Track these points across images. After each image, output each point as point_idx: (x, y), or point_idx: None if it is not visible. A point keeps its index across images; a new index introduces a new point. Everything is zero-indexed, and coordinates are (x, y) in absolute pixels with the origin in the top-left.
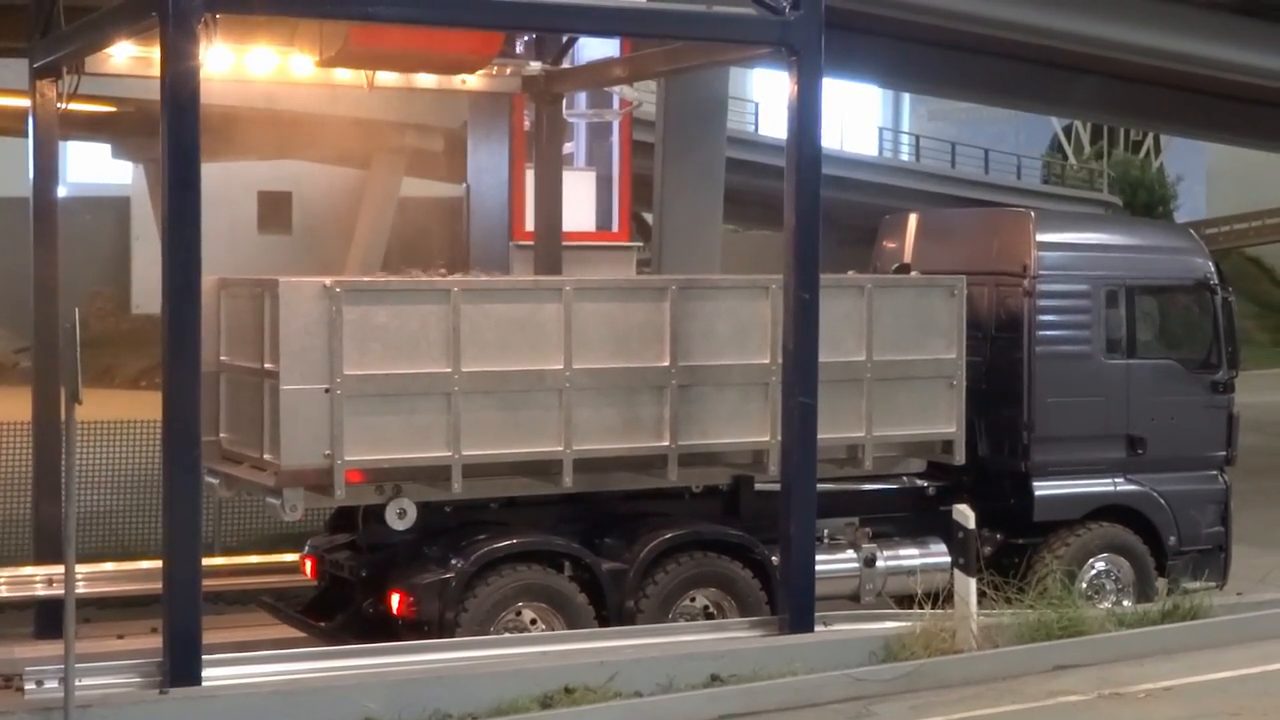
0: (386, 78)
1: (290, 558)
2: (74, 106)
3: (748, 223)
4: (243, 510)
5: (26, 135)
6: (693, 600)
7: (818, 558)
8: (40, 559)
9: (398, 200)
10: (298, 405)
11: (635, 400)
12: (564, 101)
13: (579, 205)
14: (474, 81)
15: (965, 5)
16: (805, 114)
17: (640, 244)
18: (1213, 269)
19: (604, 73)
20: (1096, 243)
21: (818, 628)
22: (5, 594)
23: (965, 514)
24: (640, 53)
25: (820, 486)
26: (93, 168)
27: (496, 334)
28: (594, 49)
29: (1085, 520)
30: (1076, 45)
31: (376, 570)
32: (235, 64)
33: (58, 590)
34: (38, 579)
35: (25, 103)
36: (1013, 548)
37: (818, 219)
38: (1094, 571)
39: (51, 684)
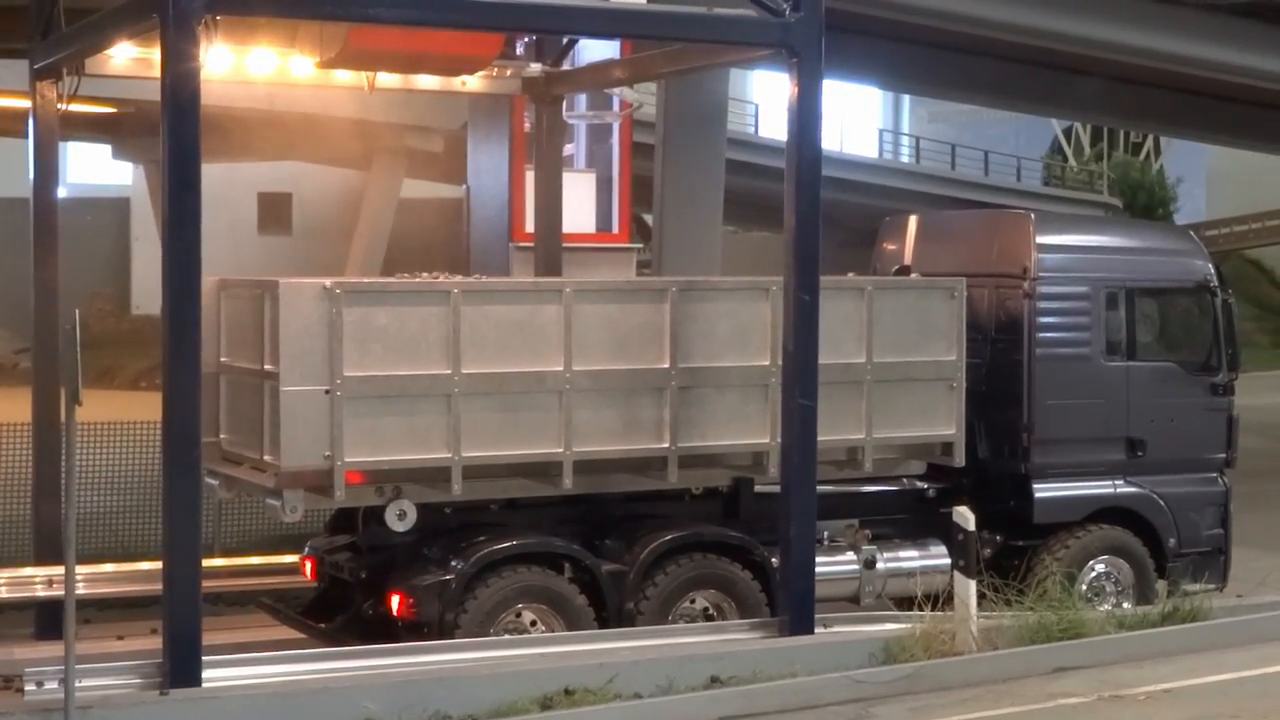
0: (387, 79)
1: (290, 559)
2: (74, 107)
3: (748, 224)
4: (243, 511)
5: (27, 136)
6: (693, 602)
7: (818, 560)
8: (40, 560)
9: (398, 201)
10: (298, 406)
11: (635, 402)
12: (564, 103)
13: (579, 207)
14: (474, 83)
15: (965, 7)
16: (805, 115)
17: (640, 245)
18: (1213, 271)
19: (604, 74)
20: (1096, 245)
21: (818, 630)
22: (5, 595)
23: (965, 516)
24: (640, 54)
25: (820, 488)
26: (93, 168)
27: (496, 335)
28: (594, 50)
29: (1085, 522)
30: (1076, 47)
31: (376, 571)
32: (236, 65)
33: (58, 591)
34: (38, 580)
35: (26, 104)
36: (1012, 550)
37: (818, 221)
38: (1094, 573)
39: (51, 685)
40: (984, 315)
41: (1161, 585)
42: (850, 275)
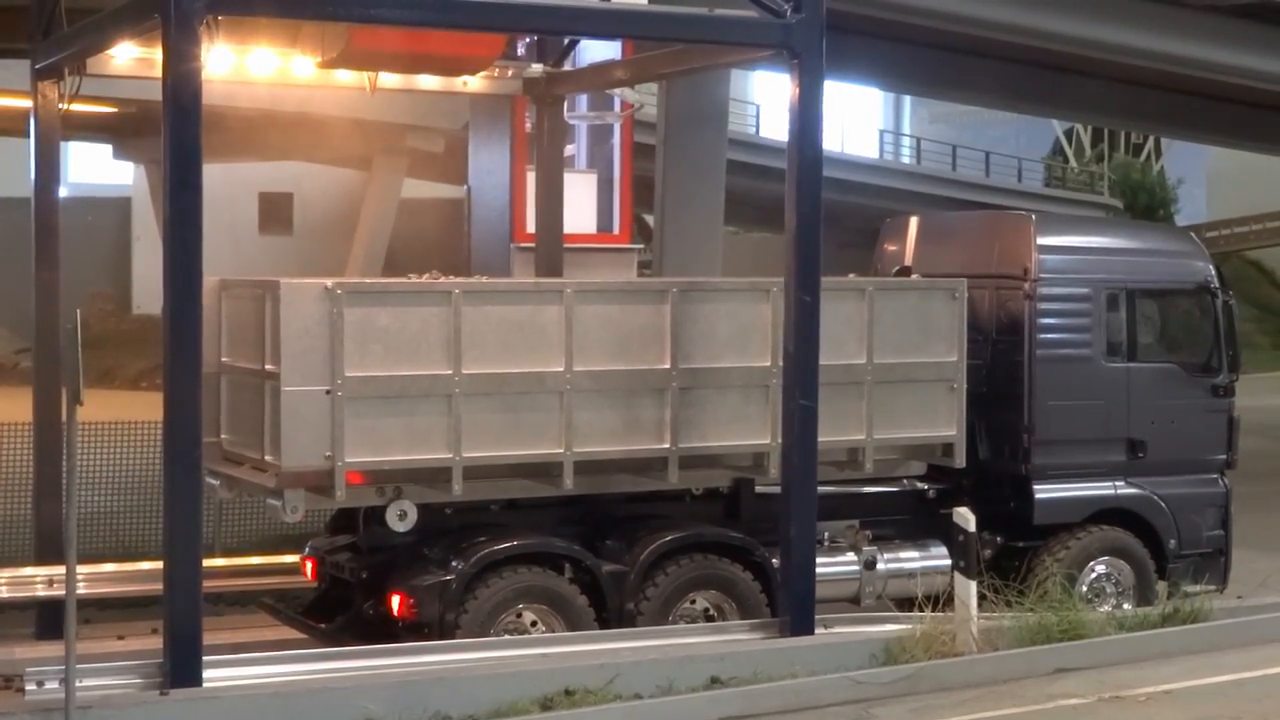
0: (388, 79)
1: (291, 559)
2: (75, 107)
3: (749, 225)
4: (243, 511)
5: (28, 136)
6: (693, 602)
7: (818, 560)
8: (41, 560)
9: (399, 202)
10: (298, 407)
11: (636, 402)
12: (565, 103)
13: (580, 207)
14: (475, 83)
15: (966, 7)
16: (806, 116)
17: (641, 246)
18: (1213, 272)
19: (605, 75)
20: (1097, 246)
21: (818, 630)
22: (6, 595)
23: (965, 517)
24: (642, 55)
25: (821, 489)
26: (94, 168)
27: (497, 336)
28: (595, 51)
29: (1085, 523)
30: (1077, 48)
31: (377, 572)
32: (237, 65)
33: (58, 591)
34: (38, 580)
35: (27, 103)
36: (1013, 550)
37: (819, 221)
38: (1094, 574)
39: (52, 685)
40: (985, 316)
41: (1162, 586)
42: (851, 276)
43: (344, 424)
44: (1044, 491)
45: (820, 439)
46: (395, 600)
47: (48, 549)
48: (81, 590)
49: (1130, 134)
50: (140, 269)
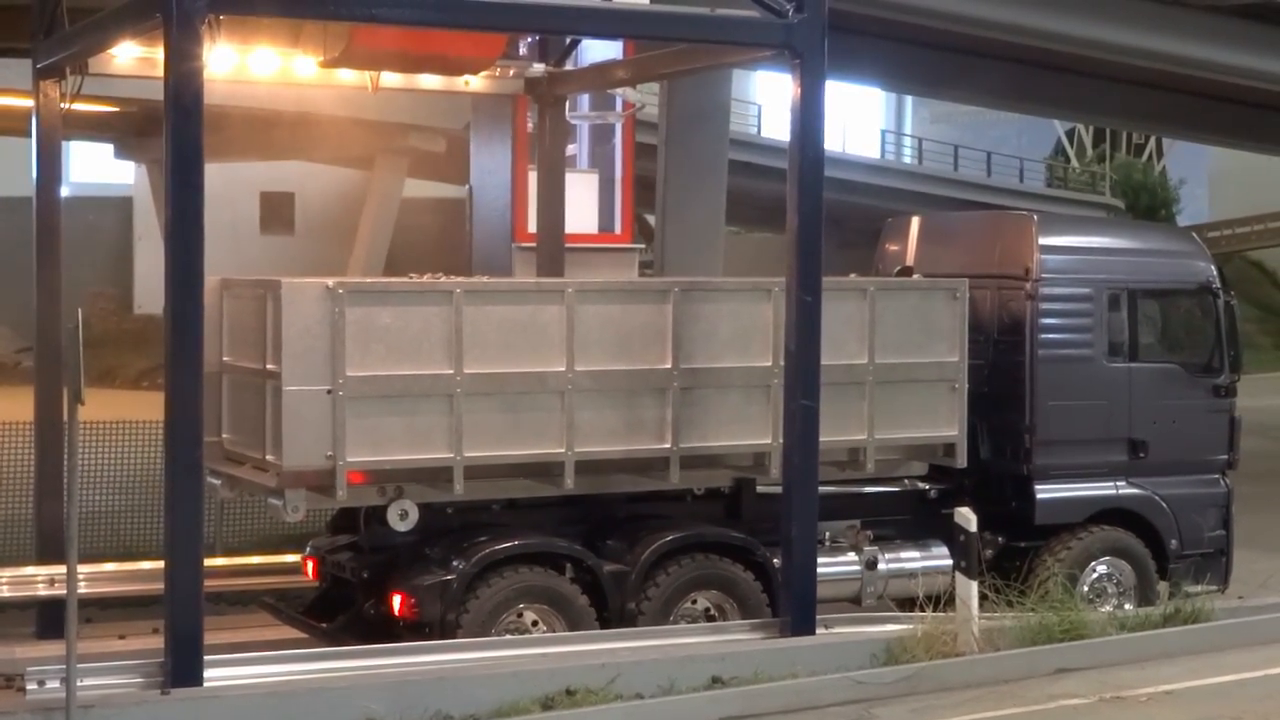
0: (390, 79)
1: (292, 558)
2: (77, 107)
3: (750, 225)
4: (244, 511)
5: (30, 135)
6: (694, 602)
7: (819, 560)
8: (42, 559)
9: (400, 201)
10: (300, 406)
11: (637, 402)
12: (567, 103)
13: (581, 207)
14: (477, 83)
15: (968, 8)
16: (808, 116)
17: (643, 246)
18: (1215, 272)
19: (607, 75)
20: (1099, 246)
21: (819, 630)
22: (7, 594)
23: (967, 517)
24: (643, 55)
25: (822, 489)
26: (96, 168)
27: (499, 336)
28: (597, 51)
29: (1087, 523)
30: (1078, 48)
31: (378, 571)
32: (238, 65)
33: (60, 590)
34: (40, 579)
35: (29, 103)
36: (1014, 551)
37: (820, 221)
38: (1095, 575)
39: (53, 684)
40: (986, 316)
41: (1163, 587)
42: (853, 276)
43: (345, 423)
44: (1045, 491)
45: (821, 439)
46: (396, 600)
47: (49, 548)
48: (82, 590)
49: (1132, 134)
50: (142, 268)
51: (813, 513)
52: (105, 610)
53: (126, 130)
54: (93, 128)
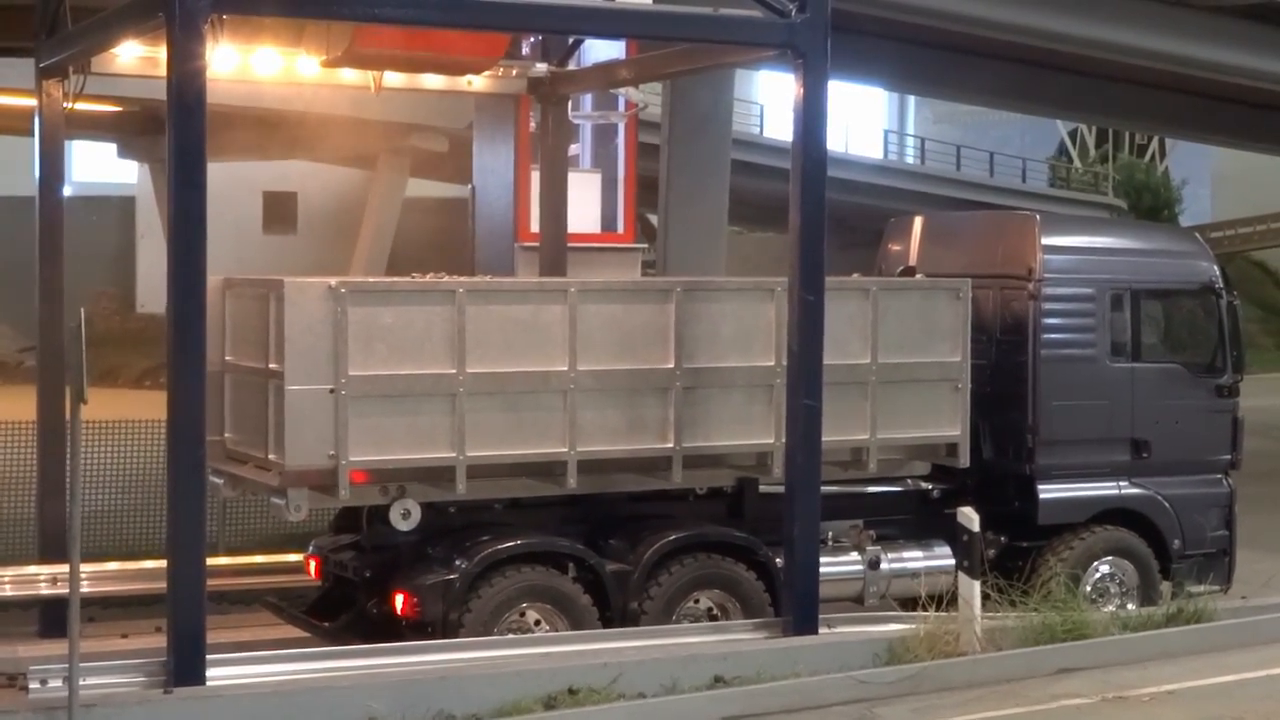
0: (392, 79)
1: (294, 558)
2: (80, 106)
3: (752, 225)
4: (247, 510)
5: (33, 135)
6: (696, 602)
7: (822, 560)
8: (45, 558)
9: (403, 201)
10: (302, 405)
11: (640, 402)
12: (569, 103)
13: (584, 207)
14: (479, 83)
15: (970, 8)
16: (811, 116)
17: (645, 246)
18: (1217, 273)
19: (610, 74)
20: (1101, 246)
21: (821, 630)
22: (10, 593)
23: (969, 517)
24: (646, 55)
25: (824, 489)
26: (98, 167)
27: (501, 335)
28: (600, 51)
29: (1089, 523)
30: (1081, 49)
31: (380, 570)
32: (241, 64)
33: (62, 589)
34: (42, 578)
35: (31, 102)
36: (1017, 550)
37: (823, 221)
38: (1098, 575)
39: (56, 683)
40: (989, 316)
41: (1166, 587)
42: (855, 276)
43: (348, 423)
44: (1048, 491)
45: (824, 438)
46: (399, 599)
47: (51, 547)
48: (85, 588)
49: (1134, 135)
50: (144, 268)
51: (815, 512)
52: (108, 609)
53: (129, 130)
54: (95, 127)
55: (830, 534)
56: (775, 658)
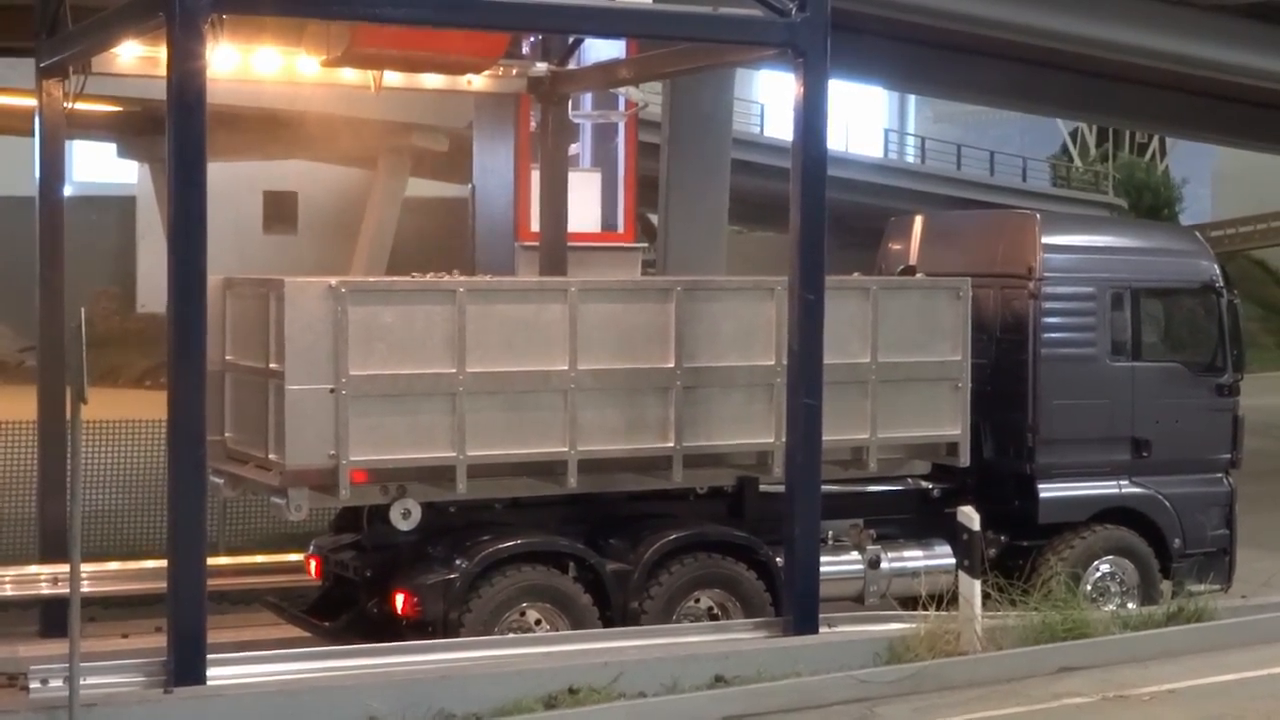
0: (392, 78)
1: (295, 557)
2: (80, 106)
3: (752, 224)
4: (247, 510)
5: (33, 134)
6: (697, 601)
7: (822, 559)
8: (45, 558)
9: (403, 200)
10: (303, 405)
11: (640, 401)
12: (570, 102)
13: (584, 206)
14: (479, 82)
15: (970, 7)
16: (811, 115)
17: (645, 245)
18: (1218, 272)
19: (610, 74)
20: (1102, 245)
21: (822, 629)
22: (10, 593)
23: (970, 516)
24: (646, 54)
25: (825, 488)
26: (98, 167)
27: (501, 334)
28: (600, 50)
29: (1090, 522)
30: (1082, 48)
31: (381, 570)
32: (241, 64)
33: (63, 589)
34: (43, 578)
35: (32, 102)
36: (1017, 550)
37: (823, 220)
38: (1098, 574)
39: (56, 683)
40: (989, 315)
41: (1166, 586)
42: (855, 275)
43: (348, 422)
44: (1048, 490)
45: (824, 438)
46: (399, 599)
47: (52, 547)
48: (86, 588)
49: (1134, 133)
50: (145, 267)
51: (815, 512)
52: (108, 609)
53: (129, 129)
54: (96, 127)
55: (830, 533)
56: (776, 657)
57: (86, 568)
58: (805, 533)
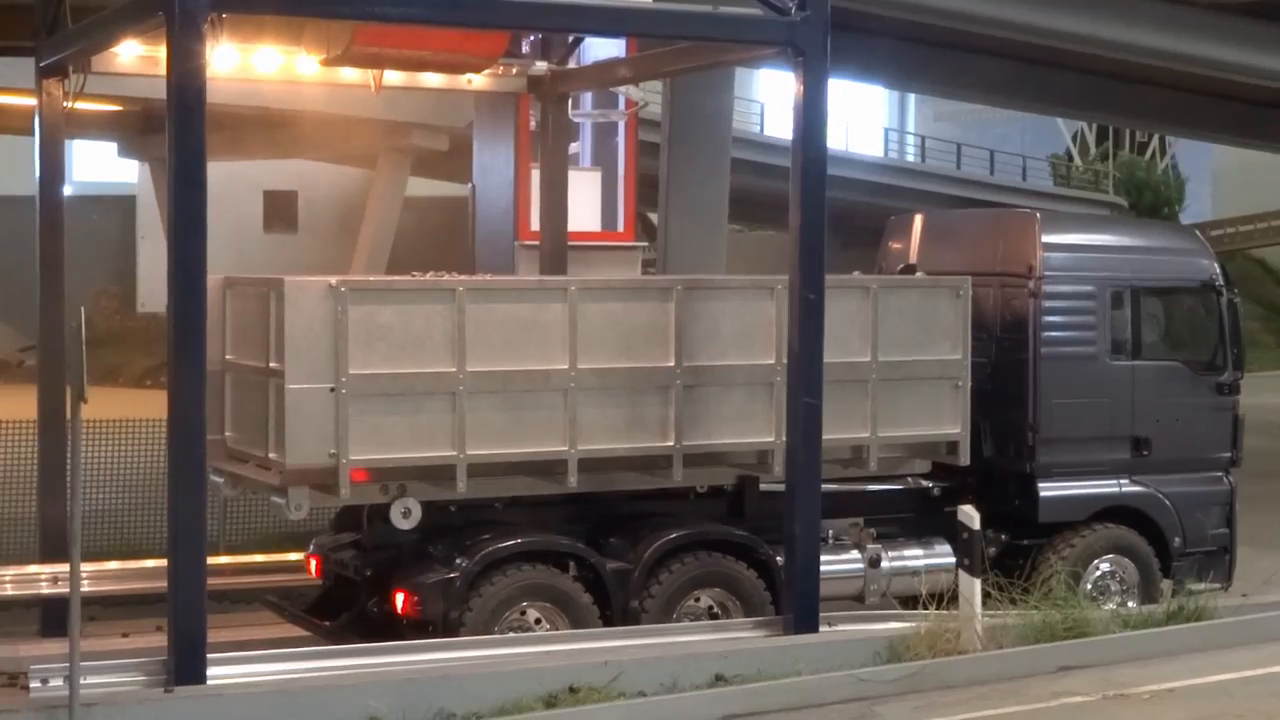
0: (392, 77)
1: (295, 557)
2: (80, 105)
3: (752, 223)
4: (248, 509)
5: (33, 134)
6: (697, 600)
7: (822, 558)
8: (46, 557)
9: (403, 200)
10: (303, 404)
11: (640, 400)
12: (569, 101)
13: (584, 205)
14: (480, 81)
15: (971, 6)
16: (811, 114)
17: (645, 244)
18: (1218, 270)
19: (610, 73)
20: (1102, 244)
21: (822, 628)
22: (11, 592)
23: (970, 515)
24: (646, 53)
25: (825, 487)
26: (99, 166)
27: (501, 334)
28: (600, 49)
29: (1090, 521)
30: (1082, 46)
31: (381, 569)
32: (241, 63)
33: (63, 589)
34: (43, 577)
35: (32, 101)
36: (1017, 549)
37: (823, 219)
38: (1099, 573)
39: (56, 682)
40: (989, 314)
41: (1166, 584)
42: (856, 274)
43: (348, 421)
44: (1048, 489)
45: (824, 437)
46: (399, 598)
47: (52, 547)
48: (86, 588)
49: (1135, 132)
50: (145, 267)
51: (816, 510)
52: (108, 608)
53: (129, 129)
54: (96, 126)
55: (831, 532)
56: (776, 656)
57: (86, 567)
58: (805, 532)
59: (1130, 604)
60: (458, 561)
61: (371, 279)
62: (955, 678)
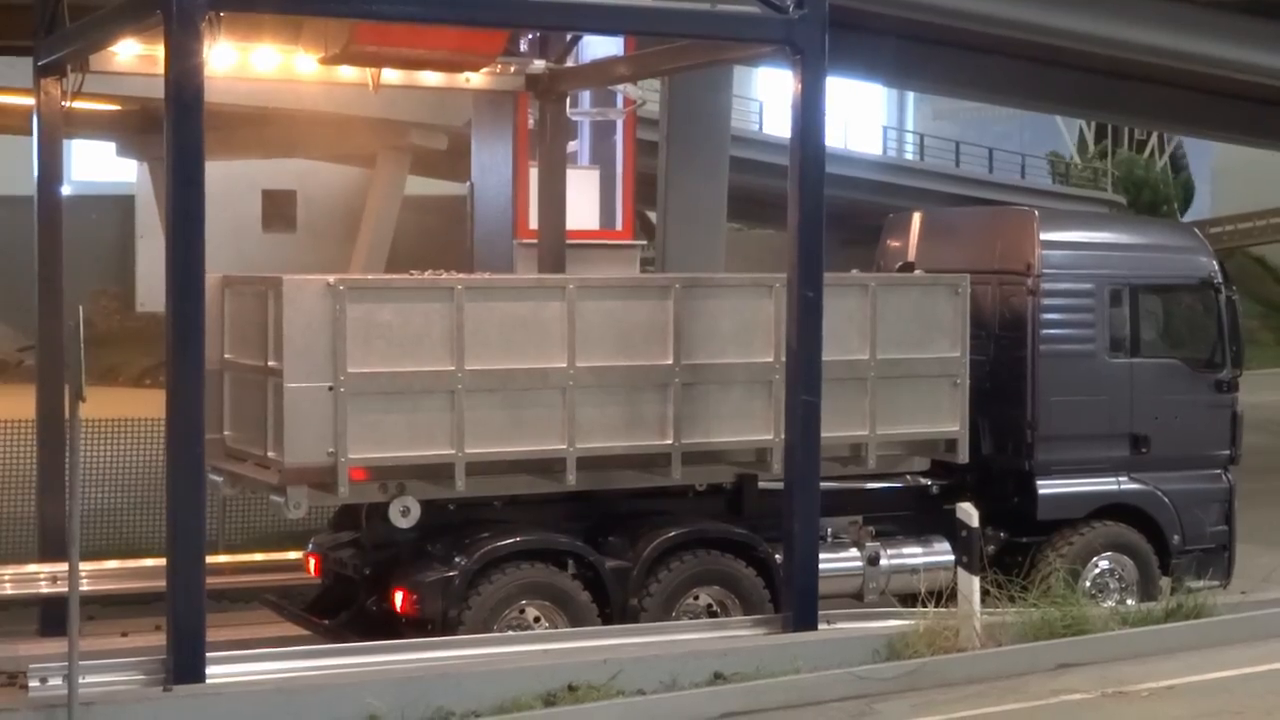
0: (391, 76)
1: (294, 555)
2: (78, 104)
3: (751, 221)
4: (247, 508)
5: (31, 133)
6: (696, 598)
7: (821, 556)
8: (45, 556)
9: (402, 198)
10: (301, 403)
11: (639, 398)
12: (568, 100)
13: (583, 204)
14: (478, 80)
15: (970, 4)
16: (809, 112)
17: (644, 242)
18: (1217, 268)
19: (608, 71)
20: (1100, 241)
21: (821, 626)
22: (10, 591)
23: (969, 512)
24: (644, 51)
25: (824, 485)
26: (97, 166)
27: (500, 332)
28: (598, 47)
29: (1089, 519)
30: (1081, 44)
31: (380, 568)
32: (239, 62)
33: (62, 588)
34: (42, 576)
35: (30, 101)
36: (1016, 546)
37: (822, 217)
38: (1098, 570)
39: (55, 681)
40: (988, 312)
41: (1165, 582)
42: (854, 272)
43: (347, 420)
44: (1047, 487)
45: (823, 434)
46: (398, 596)
47: (51, 546)
48: (85, 587)
49: (1133, 130)
50: (143, 266)
51: (815, 508)
52: (107, 607)
53: (128, 128)
54: (94, 126)
55: (829, 530)
56: (775, 654)
57: (85, 566)
58: (804, 529)
59: (1129, 601)
60: (457, 560)
61: (370, 277)
62: (954, 675)
